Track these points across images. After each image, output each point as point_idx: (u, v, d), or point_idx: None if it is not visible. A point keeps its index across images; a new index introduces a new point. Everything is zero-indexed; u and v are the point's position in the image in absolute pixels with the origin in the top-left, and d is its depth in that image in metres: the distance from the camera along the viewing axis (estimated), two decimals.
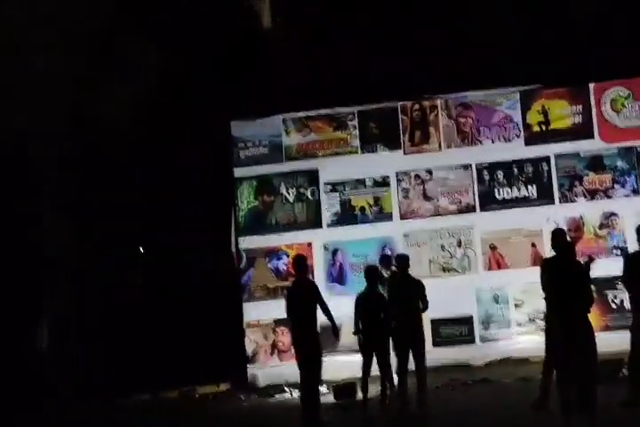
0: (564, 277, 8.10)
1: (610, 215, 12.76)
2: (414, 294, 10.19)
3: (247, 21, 14.52)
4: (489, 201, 13.31)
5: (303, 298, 9.75)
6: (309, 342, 9.65)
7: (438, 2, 13.85)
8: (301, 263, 10.43)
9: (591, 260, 8.50)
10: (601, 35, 13.17)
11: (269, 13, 15.00)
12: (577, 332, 7.93)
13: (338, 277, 13.48)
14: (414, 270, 13.16)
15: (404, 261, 10.65)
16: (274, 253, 13.76)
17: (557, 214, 13.09)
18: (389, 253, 13.26)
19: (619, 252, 12.60)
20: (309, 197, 13.70)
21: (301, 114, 13.92)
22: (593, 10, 13.34)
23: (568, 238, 10.01)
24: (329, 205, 13.74)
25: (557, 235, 9.12)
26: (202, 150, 13.86)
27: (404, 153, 13.65)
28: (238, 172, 13.99)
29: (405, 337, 9.99)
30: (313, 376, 9.66)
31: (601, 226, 12.80)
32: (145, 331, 13.51)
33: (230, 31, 14.23)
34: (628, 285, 9.19)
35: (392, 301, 10.21)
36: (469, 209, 13.26)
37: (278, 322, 13.26)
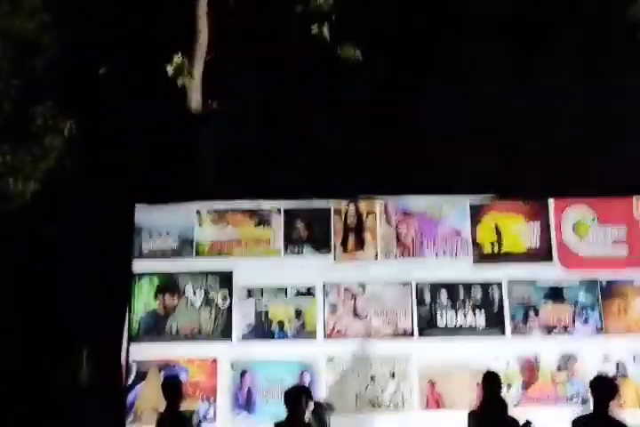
0: None
1: (569, 358, 7.69)
2: None
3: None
4: (429, 326, 8.41)
5: None
6: None
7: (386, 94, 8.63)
8: (175, 389, 6.39)
9: (528, 424, 5.59)
10: (562, 145, 8.24)
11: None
12: None
13: (245, 403, 8.19)
14: (337, 404, 7.86)
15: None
16: (170, 367, 8.32)
17: (508, 351, 8.29)
18: (308, 379, 7.82)
19: (580, 401, 7.56)
20: (219, 303, 8.35)
21: (220, 205, 8.31)
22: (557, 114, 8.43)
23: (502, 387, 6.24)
24: (242, 315, 8.51)
25: (490, 380, 6.00)
26: (97, 235, 8.09)
27: (335, 259, 8.50)
28: (138, 265, 8.41)
29: None
30: None
31: (559, 368, 7.86)
32: None
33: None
34: None
35: None
36: (406, 333, 8.19)
37: None
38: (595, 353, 7.94)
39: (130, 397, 8.24)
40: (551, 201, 8.50)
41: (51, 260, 8.37)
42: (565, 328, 8.09)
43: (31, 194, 8.25)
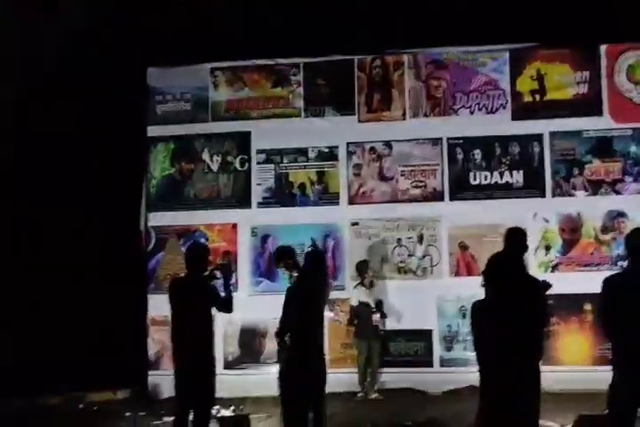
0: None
1: (616, 215, 7.08)
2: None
3: None
4: (462, 187, 7.87)
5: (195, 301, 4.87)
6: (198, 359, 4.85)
7: None
8: (201, 256, 5.26)
9: (547, 286, 4.48)
10: None
11: None
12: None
13: (267, 270, 7.79)
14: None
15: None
16: (190, 234, 8.12)
17: (548, 209, 7.57)
18: (332, 244, 7.44)
19: (625, 263, 6.88)
20: (238, 167, 7.95)
21: (235, 63, 7.77)
22: None
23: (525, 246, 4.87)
24: (261, 179, 8.14)
25: (510, 236, 4.79)
26: (110, 101, 7.70)
27: (359, 120, 8.02)
28: (153, 131, 8.16)
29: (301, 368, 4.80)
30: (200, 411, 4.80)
31: (604, 229, 7.28)
32: (26, 321, 7.54)
33: None
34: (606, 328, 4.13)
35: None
36: (436, 196, 7.61)
37: None
38: None
39: (151, 264, 8.14)
40: (603, 47, 7.61)
41: (65, 128, 8.06)
42: (614, 185, 7.29)
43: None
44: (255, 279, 7.85)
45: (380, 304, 7.36)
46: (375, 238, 7.71)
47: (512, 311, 3.82)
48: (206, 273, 5.00)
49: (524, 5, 7.48)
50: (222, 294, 4.95)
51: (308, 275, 5.09)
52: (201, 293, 4.89)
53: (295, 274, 6.04)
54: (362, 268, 7.50)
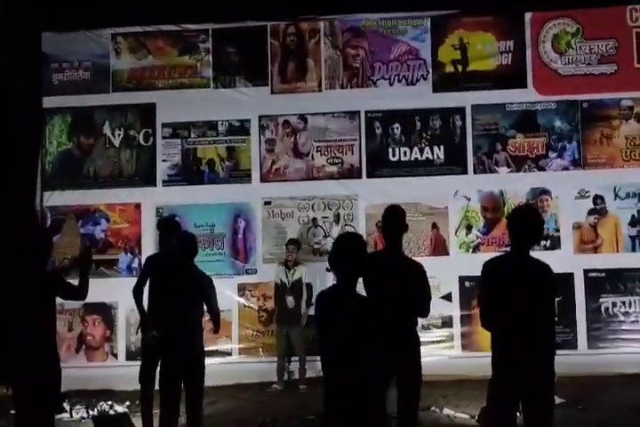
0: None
1: (540, 193, 6.73)
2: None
3: None
4: (380, 163, 7.32)
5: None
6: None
7: None
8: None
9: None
10: None
11: None
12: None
13: None
14: (271, 250, 7.07)
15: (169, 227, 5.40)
16: (89, 214, 7.59)
17: (470, 187, 7.21)
18: (243, 225, 6.97)
19: (548, 243, 6.62)
20: (141, 141, 7.44)
21: (138, 29, 7.18)
22: None
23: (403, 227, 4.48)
24: (167, 155, 7.61)
25: (387, 216, 4.45)
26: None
27: (272, 91, 7.34)
28: (49, 102, 7.40)
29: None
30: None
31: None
32: None
33: None
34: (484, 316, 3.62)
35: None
36: (353, 173, 7.18)
37: (89, 308, 7.16)
38: (570, 188, 6.83)
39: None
40: (528, 15, 7.24)
41: None
42: (537, 161, 6.94)
43: None
44: None
45: (298, 286, 6.89)
46: (289, 218, 7.28)
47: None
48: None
49: None
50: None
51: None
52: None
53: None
54: (291, 246, 7.03)
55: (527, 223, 3.60)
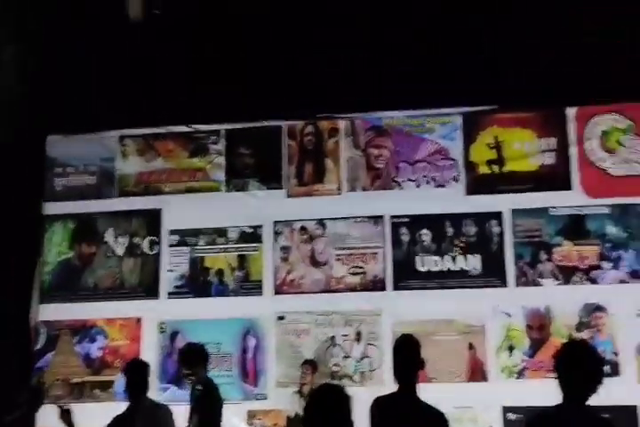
0: None
1: (594, 309, 5.78)
2: None
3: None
4: (407, 274, 6.54)
5: None
6: None
7: None
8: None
9: None
10: (587, 41, 6.33)
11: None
12: None
13: (175, 375, 6.57)
14: (285, 372, 6.25)
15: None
16: (85, 330, 6.81)
17: (511, 301, 6.26)
18: (253, 342, 6.25)
19: (608, 368, 5.66)
20: (146, 250, 6.72)
21: (147, 130, 6.79)
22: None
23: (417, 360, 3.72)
24: (173, 265, 6.87)
25: (398, 349, 3.73)
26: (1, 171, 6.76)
27: (288, 194, 6.68)
28: (50, 208, 6.93)
29: None
30: None
31: (580, 325, 5.91)
32: None
33: None
34: None
35: None
36: (377, 285, 6.41)
37: None
38: (629, 303, 5.84)
39: (38, 365, 6.81)
40: (571, 110, 6.58)
41: None
42: (588, 273, 6.04)
43: None
44: (161, 385, 6.54)
45: None
46: (305, 335, 6.49)
47: None
48: None
49: (478, 62, 6.56)
50: None
51: None
52: None
53: (199, 387, 4.93)
54: (306, 369, 6.25)
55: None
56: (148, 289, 6.73)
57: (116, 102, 6.93)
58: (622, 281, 6.01)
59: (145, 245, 6.84)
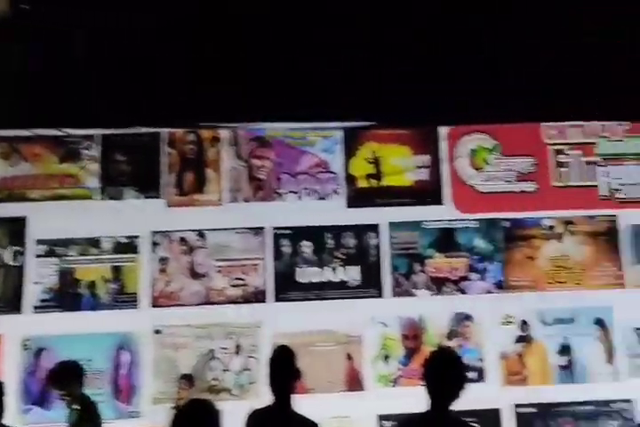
0: None
1: (463, 318, 6.15)
2: None
3: None
4: (288, 285, 6.59)
5: None
6: None
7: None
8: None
9: None
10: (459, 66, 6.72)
11: None
12: None
13: (40, 395, 6.04)
14: (162, 388, 6.42)
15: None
16: None
17: (386, 311, 6.47)
18: (128, 358, 6.00)
19: (474, 374, 6.02)
20: (8, 261, 6.18)
21: (9, 132, 6.35)
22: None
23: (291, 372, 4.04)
24: (40, 277, 6.38)
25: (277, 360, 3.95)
26: None
27: (168, 204, 6.53)
28: None
29: None
30: None
31: (450, 334, 6.27)
32: None
33: None
34: None
35: None
36: (258, 296, 6.38)
37: None
38: (493, 313, 6.27)
39: None
40: (443, 129, 6.98)
41: None
42: (457, 284, 6.40)
43: None
44: (24, 407, 6.09)
45: None
46: (183, 349, 6.34)
47: None
48: None
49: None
50: None
51: None
52: None
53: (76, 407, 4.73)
54: (183, 384, 6.08)
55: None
56: (10, 303, 6.27)
57: None
58: (488, 291, 6.42)
59: (7, 255, 6.37)
